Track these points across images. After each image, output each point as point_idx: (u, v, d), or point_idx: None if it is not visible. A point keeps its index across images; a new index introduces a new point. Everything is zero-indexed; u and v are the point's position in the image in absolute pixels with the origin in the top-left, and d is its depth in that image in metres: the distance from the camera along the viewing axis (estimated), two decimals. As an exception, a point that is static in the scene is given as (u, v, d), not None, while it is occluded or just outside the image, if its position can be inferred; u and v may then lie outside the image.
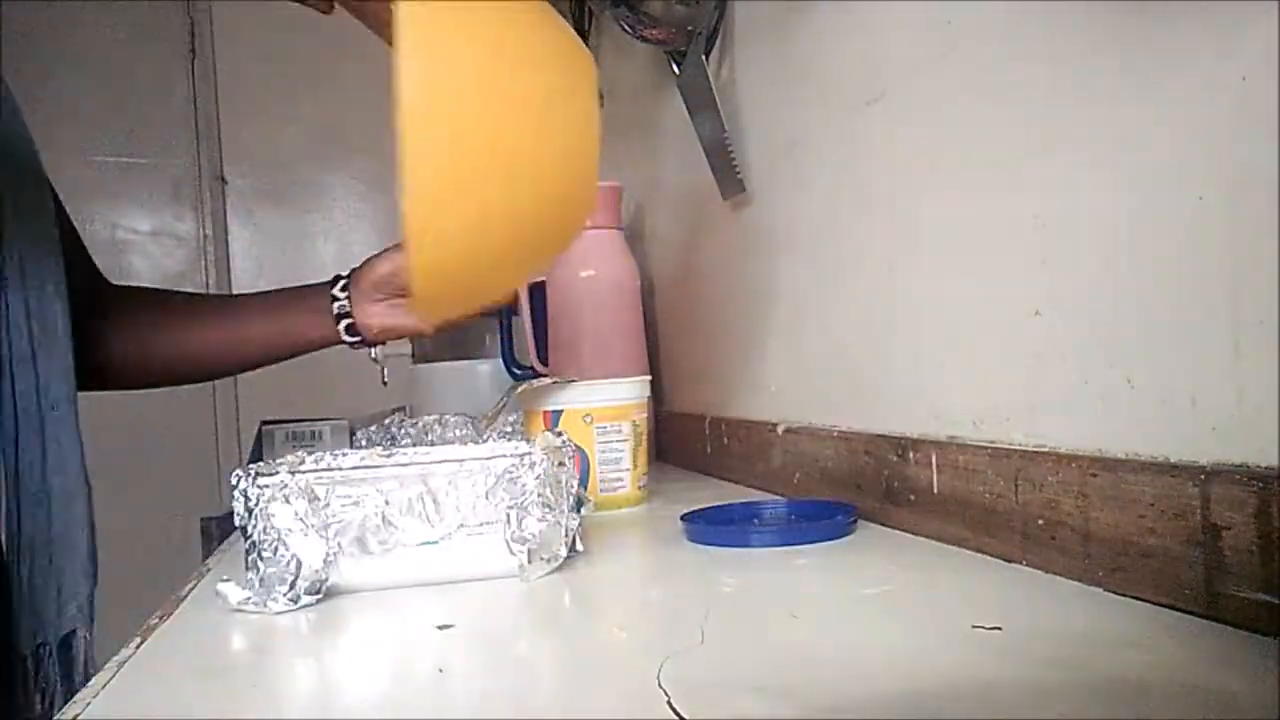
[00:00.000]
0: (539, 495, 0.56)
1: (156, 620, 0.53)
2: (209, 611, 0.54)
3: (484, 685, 0.40)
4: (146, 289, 0.90)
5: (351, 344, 0.83)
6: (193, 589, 0.61)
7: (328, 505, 0.54)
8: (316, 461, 0.62)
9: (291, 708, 0.39)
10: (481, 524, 0.55)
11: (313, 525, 0.53)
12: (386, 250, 0.82)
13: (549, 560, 0.57)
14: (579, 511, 0.60)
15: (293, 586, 0.52)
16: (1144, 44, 0.44)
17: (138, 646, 0.47)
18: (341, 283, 0.83)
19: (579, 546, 0.60)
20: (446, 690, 0.39)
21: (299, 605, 0.53)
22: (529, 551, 0.55)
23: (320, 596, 0.53)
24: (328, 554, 0.53)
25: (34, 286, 0.71)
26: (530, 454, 0.57)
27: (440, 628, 0.47)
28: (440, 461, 0.58)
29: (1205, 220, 0.41)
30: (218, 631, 0.51)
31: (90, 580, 0.75)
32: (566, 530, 0.58)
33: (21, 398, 0.71)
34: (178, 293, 0.92)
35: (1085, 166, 0.48)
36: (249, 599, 0.52)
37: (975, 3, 0.56)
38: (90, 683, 0.42)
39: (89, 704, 0.39)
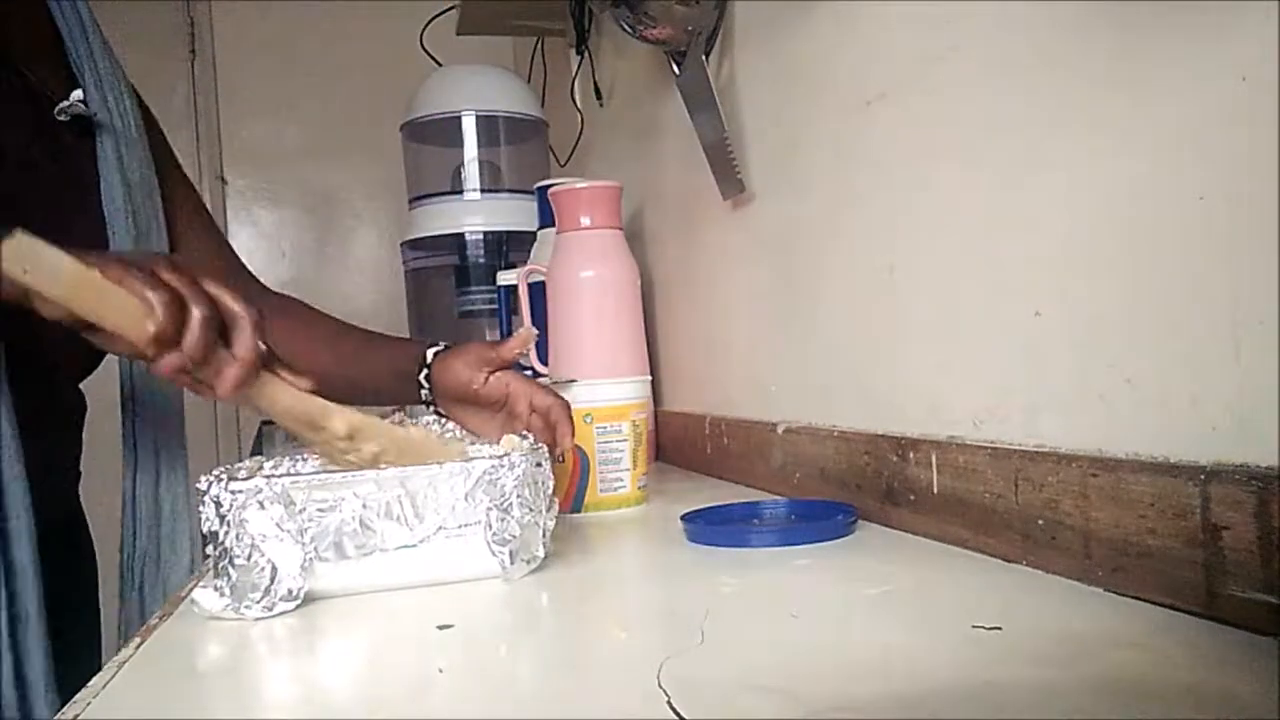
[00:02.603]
0: (518, 496, 0.56)
1: (156, 620, 0.53)
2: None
3: (484, 685, 0.40)
4: (282, 295, 0.89)
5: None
6: (193, 589, 0.61)
7: (304, 510, 0.53)
8: (276, 467, 0.62)
9: (291, 708, 0.39)
10: (461, 526, 0.55)
11: (289, 531, 0.52)
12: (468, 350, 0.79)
13: (529, 561, 0.57)
14: (554, 512, 0.60)
15: (268, 593, 0.51)
16: (1143, 44, 0.44)
17: (138, 647, 0.47)
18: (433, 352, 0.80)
19: (550, 547, 0.60)
20: (446, 690, 0.39)
21: (274, 613, 0.52)
22: (510, 553, 0.55)
23: (298, 603, 0.52)
24: (304, 560, 0.52)
25: None
26: (509, 455, 0.57)
27: (441, 628, 0.47)
28: (418, 465, 0.57)
29: (1205, 220, 0.41)
30: (218, 632, 0.51)
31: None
32: (544, 531, 0.58)
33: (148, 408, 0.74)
34: (302, 305, 0.89)
35: (1085, 166, 0.48)
36: (227, 606, 0.51)
37: (975, 3, 0.56)
38: (90, 683, 0.42)
39: (89, 704, 0.39)
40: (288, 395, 0.58)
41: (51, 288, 0.50)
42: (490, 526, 0.55)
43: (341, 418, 0.59)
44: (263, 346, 0.56)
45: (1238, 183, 0.39)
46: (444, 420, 0.77)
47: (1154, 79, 0.43)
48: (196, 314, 0.53)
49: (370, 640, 0.48)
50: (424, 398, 0.80)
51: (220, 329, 0.54)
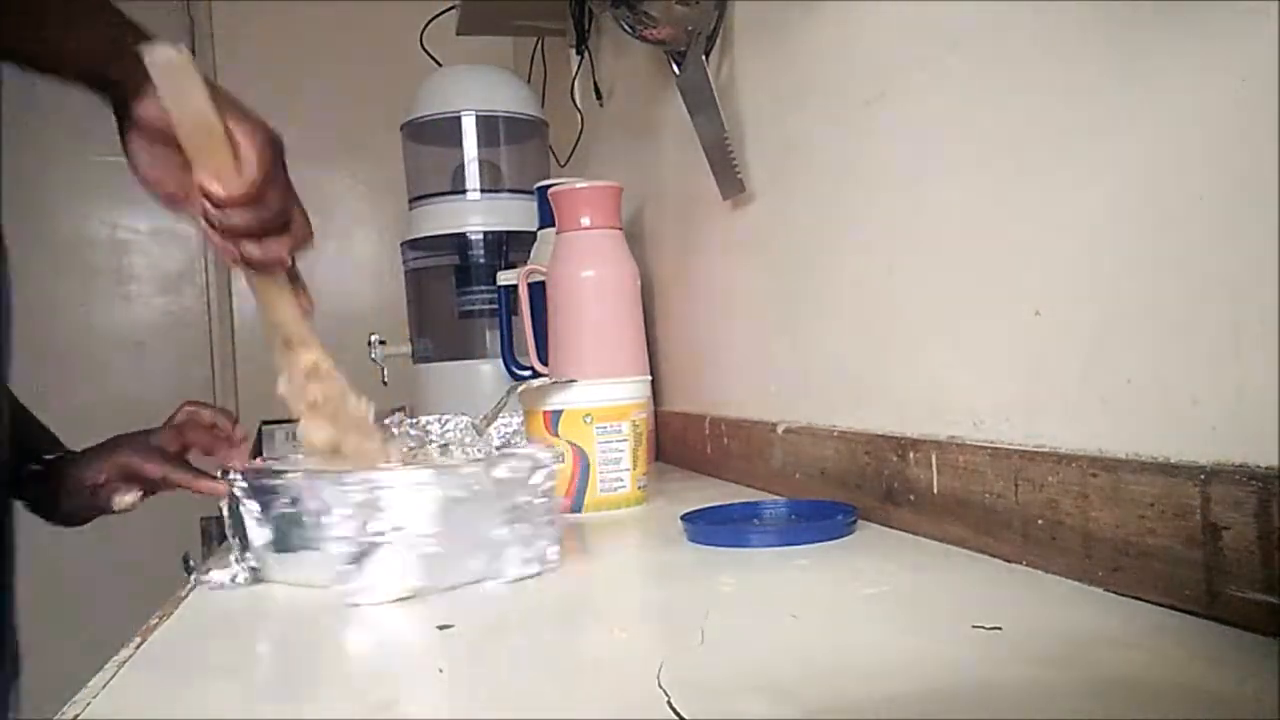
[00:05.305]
0: (520, 504, 0.56)
1: (156, 620, 0.53)
2: (209, 612, 0.54)
3: (484, 685, 0.40)
4: None
5: None
6: (192, 589, 0.61)
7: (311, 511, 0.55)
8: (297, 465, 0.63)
9: (291, 708, 0.39)
10: (475, 532, 0.55)
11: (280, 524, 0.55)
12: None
13: (537, 566, 0.56)
14: (559, 519, 0.59)
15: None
16: (1144, 44, 0.44)
17: (138, 647, 0.47)
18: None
19: (555, 557, 0.59)
20: (446, 690, 0.39)
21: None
22: (519, 557, 0.55)
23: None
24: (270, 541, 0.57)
25: None
26: (524, 461, 0.57)
27: (440, 628, 0.47)
28: (422, 469, 0.57)
29: (1205, 220, 0.41)
30: (218, 632, 0.51)
31: None
32: (552, 538, 0.58)
33: None
34: None
35: (1084, 167, 0.48)
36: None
37: (975, 3, 0.56)
38: (90, 683, 0.42)
39: (89, 704, 0.39)
40: (287, 308, 0.61)
41: (181, 116, 0.53)
42: (489, 534, 0.55)
43: (311, 356, 0.61)
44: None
45: (1238, 182, 0.39)
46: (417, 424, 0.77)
47: (1154, 79, 0.43)
48: (256, 210, 0.55)
49: (372, 640, 0.48)
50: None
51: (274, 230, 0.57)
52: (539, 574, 0.57)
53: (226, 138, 0.54)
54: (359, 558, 0.52)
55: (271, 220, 0.57)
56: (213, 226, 0.55)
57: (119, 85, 0.54)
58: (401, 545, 0.53)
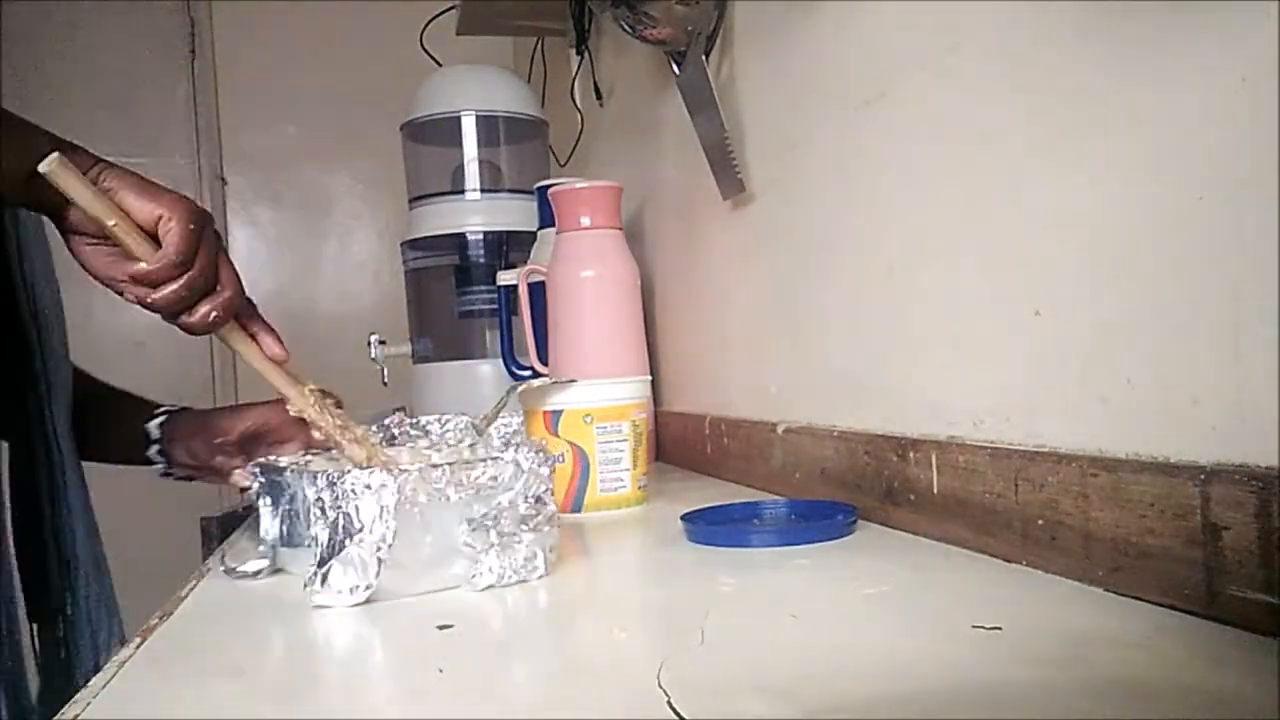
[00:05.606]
0: (511, 508, 0.55)
1: (156, 620, 0.53)
2: (209, 612, 0.54)
3: (484, 685, 0.40)
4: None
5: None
6: (193, 589, 0.61)
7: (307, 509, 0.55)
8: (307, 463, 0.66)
9: (291, 707, 0.39)
10: (448, 537, 0.54)
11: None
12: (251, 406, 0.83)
13: (519, 574, 0.55)
14: (553, 525, 0.58)
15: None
16: (1144, 44, 0.44)
17: (138, 646, 0.47)
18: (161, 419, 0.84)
19: (546, 564, 0.57)
20: (446, 690, 0.39)
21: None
22: (495, 565, 0.54)
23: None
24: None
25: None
26: (505, 466, 0.56)
27: (440, 628, 0.47)
28: (410, 470, 0.56)
29: (1205, 220, 0.41)
30: (218, 632, 0.51)
31: None
32: (540, 545, 0.56)
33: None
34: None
35: (1085, 166, 0.48)
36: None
37: (975, 3, 0.56)
38: (90, 683, 0.42)
39: (89, 704, 0.39)
40: (255, 361, 0.66)
41: (81, 203, 0.58)
42: (477, 538, 0.54)
43: (298, 407, 0.66)
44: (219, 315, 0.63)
45: (1237, 183, 0.39)
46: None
47: (1154, 80, 0.43)
48: (184, 279, 0.60)
49: (370, 640, 0.48)
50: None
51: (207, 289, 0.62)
52: (520, 583, 0.55)
53: (130, 221, 0.59)
54: (325, 559, 0.52)
55: (195, 291, 0.61)
56: (145, 306, 0.60)
57: (49, 196, 0.58)
58: (365, 548, 0.51)
